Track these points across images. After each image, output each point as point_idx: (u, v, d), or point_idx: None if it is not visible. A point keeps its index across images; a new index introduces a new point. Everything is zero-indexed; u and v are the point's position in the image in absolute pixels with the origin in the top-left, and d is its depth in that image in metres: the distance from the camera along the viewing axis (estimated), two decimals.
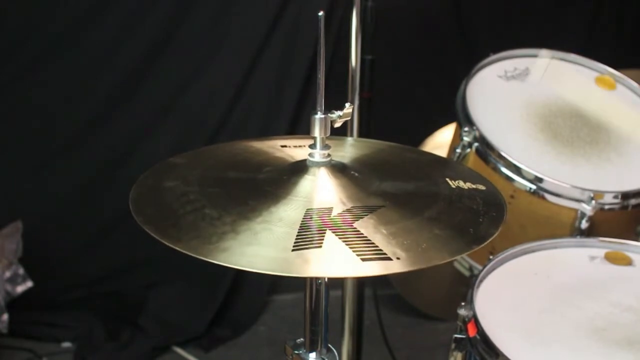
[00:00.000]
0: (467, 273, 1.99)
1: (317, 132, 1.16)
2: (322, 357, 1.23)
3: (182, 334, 2.69)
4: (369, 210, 1.10)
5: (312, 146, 1.18)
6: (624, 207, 1.83)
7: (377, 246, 1.03)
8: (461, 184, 1.22)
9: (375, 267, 1.00)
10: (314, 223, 1.06)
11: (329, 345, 1.25)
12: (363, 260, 1.01)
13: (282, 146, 1.30)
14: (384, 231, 1.06)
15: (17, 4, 2.61)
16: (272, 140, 1.34)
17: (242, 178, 1.19)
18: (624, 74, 2.12)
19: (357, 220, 1.07)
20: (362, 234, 1.05)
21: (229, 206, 1.10)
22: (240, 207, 1.10)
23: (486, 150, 1.87)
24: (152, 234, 1.05)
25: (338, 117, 1.19)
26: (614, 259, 1.69)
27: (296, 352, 1.24)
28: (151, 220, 1.08)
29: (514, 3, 3.07)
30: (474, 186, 1.22)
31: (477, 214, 1.15)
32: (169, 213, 1.11)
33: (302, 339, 1.24)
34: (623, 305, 1.53)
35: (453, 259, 1.07)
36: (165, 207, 1.12)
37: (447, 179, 1.23)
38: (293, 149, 1.28)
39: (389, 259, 1.01)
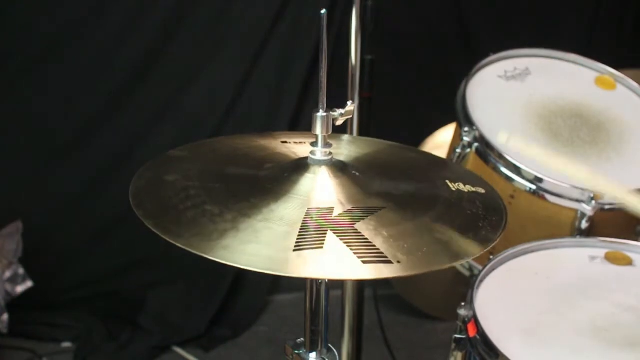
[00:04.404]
0: (467, 273, 1.99)
1: (318, 130, 1.16)
2: (322, 357, 1.23)
3: (182, 334, 2.69)
4: (370, 211, 1.10)
5: (314, 144, 1.17)
6: (623, 207, 1.83)
7: (377, 249, 1.03)
8: (461, 186, 1.22)
9: (376, 270, 1.00)
10: (315, 223, 1.06)
11: (329, 345, 1.25)
12: (364, 262, 1.00)
13: (283, 142, 1.30)
14: (385, 233, 1.06)
15: (17, 4, 2.61)
16: (273, 136, 1.34)
17: (243, 174, 1.19)
18: (624, 74, 2.12)
19: (357, 222, 1.07)
20: (362, 235, 1.04)
21: (230, 203, 1.10)
22: (241, 204, 1.09)
23: (486, 150, 1.87)
24: (153, 229, 1.05)
25: (340, 115, 1.19)
26: (614, 259, 1.69)
27: (296, 352, 1.24)
28: (152, 216, 1.08)
29: (514, 3, 3.06)
30: (474, 189, 1.22)
31: (477, 218, 1.15)
32: (170, 208, 1.10)
33: (302, 339, 1.24)
34: (623, 306, 1.53)
35: (453, 264, 1.07)
36: (165, 202, 1.12)
37: (447, 181, 1.23)
38: (294, 146, 1.28)
39: (390, 262, 1.01)
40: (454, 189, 1.20)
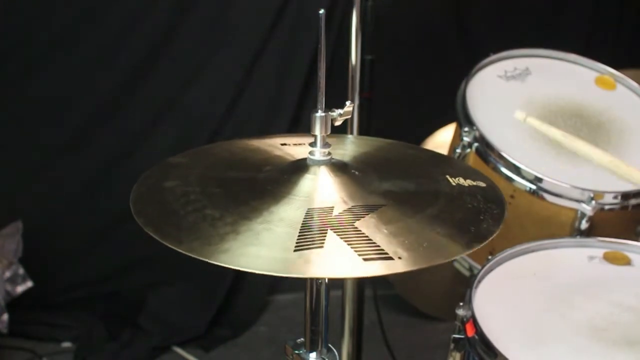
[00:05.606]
0: (466, 273, 1.99)
1: (317, 130, 1.16)
2: (322, 357, 1.23)
3: (182, 334, 2.69)
4: (370, 209, 1.10)
5: (313, 144, 1.17)
6: (624, 207, 1.83)
7: (378, 246, 1.03)
8: (461, 181, 1.22)
9: (377, 267, 1.00)
10: (315, 223, 1.06)
11: (329, 345, 1.25)
12: (365, 260, 1.01)
13: (282, 144, 1.30)
14: (385, 230, 1.06)
15: (17, 3, 2.61)
16: (271, 139, 1.34)
17: (242, 177, 1.19)
18: (624, 74, 2.12)
19: (358, 220, 1.07)
20: (363, 233, 1.04)
21: (230, 206, 1.10)
22: (241, 207, 1.09)
23: (486, 150, 1.87)
24: (154, 236, 1.05)
25: (339, 115, 1.19)
26: (612, 258, 1.69)
27: (296, 352, 1.24)
28: (152, 222, 1.08)
29: (514, 3, 3.07)
30: (474, 183, 1.22)
31: (478, 211, 1.14)
32: (170, 214, 1.10)
33: (302, 339, 1.24)
34: (622, 305, 1.53)
35: (454, 258, 1.07)
36: (166, 208, 1.12)
37: (447, 176, 1.23)
38: (293, 148, 1.28)
39: (391, 258, 1.01)
40: (454, 184, 1.20)
